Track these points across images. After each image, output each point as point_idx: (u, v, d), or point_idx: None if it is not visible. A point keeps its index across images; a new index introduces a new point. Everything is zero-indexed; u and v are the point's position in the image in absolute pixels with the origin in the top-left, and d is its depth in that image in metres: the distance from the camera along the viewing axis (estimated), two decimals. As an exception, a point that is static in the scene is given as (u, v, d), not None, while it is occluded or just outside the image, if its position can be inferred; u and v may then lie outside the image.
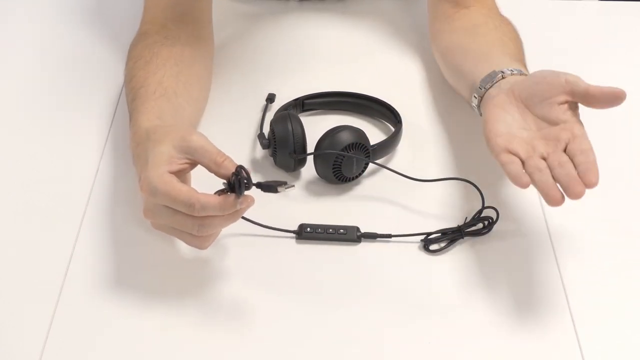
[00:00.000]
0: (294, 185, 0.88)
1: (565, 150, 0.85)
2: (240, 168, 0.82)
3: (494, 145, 0.87)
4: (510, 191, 0.99)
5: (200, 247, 0.87)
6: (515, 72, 0.95)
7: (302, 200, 0.99)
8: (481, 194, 0.96)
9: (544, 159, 0.85)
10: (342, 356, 0.84)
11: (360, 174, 1.01)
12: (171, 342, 0.85)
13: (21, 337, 0.85)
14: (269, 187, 0.86)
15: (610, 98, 0.87)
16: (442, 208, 0.98)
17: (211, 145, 0.84)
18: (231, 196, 0.81)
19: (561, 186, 0.82)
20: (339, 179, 0.99)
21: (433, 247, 0.93)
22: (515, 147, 0.86)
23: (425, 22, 1.19)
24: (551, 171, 0.83)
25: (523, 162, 0.85)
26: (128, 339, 0.85)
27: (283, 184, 0.86)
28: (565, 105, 0.88)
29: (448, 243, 0.93)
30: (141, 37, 1.07)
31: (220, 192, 0.82)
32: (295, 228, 0.94)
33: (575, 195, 0.80)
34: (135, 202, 0.98)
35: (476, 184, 0.97)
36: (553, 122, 0.88)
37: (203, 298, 0.89)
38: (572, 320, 0.88)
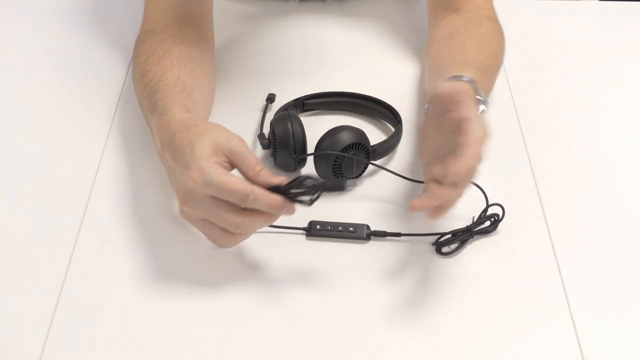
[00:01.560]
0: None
1: None
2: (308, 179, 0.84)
3: (424, 175, 0.88)
4: (510, 189, 0.99)
5: (227, 245, 0.88)
6: (455, 79, 0.95)
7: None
8: (484, 192, 0.96)
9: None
10: (350, 352, 0.84)
11: (360, 174, 1.01)
12: (173, 342, 0.85)
13: (21, 337, 0.85)
14: (333, 186, 0.90)
15: (451, 94, 0.84)
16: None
17: (251, 152, 0.86)
18: (282, 201, 0.84)
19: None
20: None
21: (445, 249, 0.93)
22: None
23: (425, 22, 1.19)
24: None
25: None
26: (128, 339, 0.85)
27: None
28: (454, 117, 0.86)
29: (459, 245, 0.93)
30: (148, 35, 1.07)
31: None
32: (299, 221, 0.94)
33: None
34: (135, 202, 0.98)
35: (478, 184, 0.97)
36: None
37: (208, 297, 0.89)
38: (572, 320, 0.88)
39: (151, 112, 0.97)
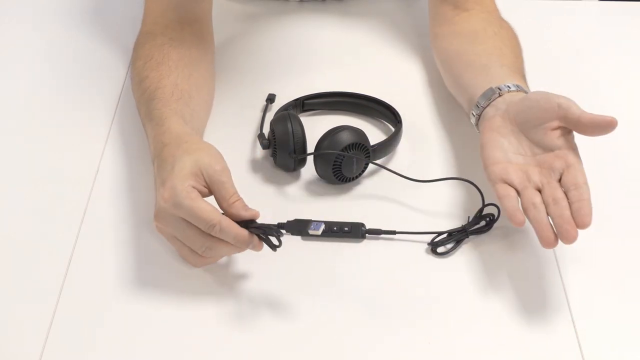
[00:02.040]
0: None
1: (560, 180, 0.86)
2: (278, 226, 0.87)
3: (490, 173, 0.90)
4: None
5: (195, 265, 0.89)
6: (512, 88, 0.96)
7: (303, 201, 0.99)
8: (481, 192, 0.96)
9: (539, 189, 0.87)
10: (346, 353, 0.84)
11: (360, 174, 1.01)
12: (172, 343, 0.85)
13: (21, 337, 0.85)
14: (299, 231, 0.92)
15: (601, 126, 0.87)
16: (442, 207, 0.98)
17: (231, 183, 0.86)
18: (249, 236, 0.84)
19: (555, 227, 0.84)
20: (339, 179, 0.99)
21: (440, 249, 0.93)
22: (511, 177, 0.88)
23: (426, 22, 1.19)
24: (546, 207, 0.85)
25: (518, 192, 0.87)
26: (128, 339, 0.85)
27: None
28: (559, 131, 0.89)
29: (454, 244, 0.93)
30: (148, 37, 1.07)
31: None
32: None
33: (569, 241, 0.83)
34: (134, 202, 0.98)
35: (475, 183, 0.97)
36: (547, 148, 0.89)
37: (206, 298, 0.88)
38: (572, 321, 0.88)
39: (148, 120, 0.97)
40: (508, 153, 0.91)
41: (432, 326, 0.87)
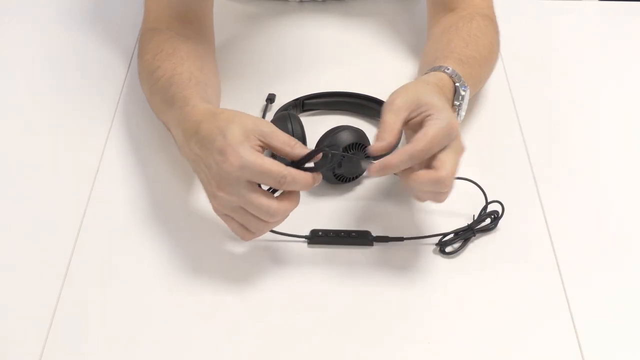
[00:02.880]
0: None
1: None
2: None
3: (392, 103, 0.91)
4: (509, 187, 0.99)
5: (245, 239, 0.89)
6: (430, 71, 0.98)
7: (303, 201, 0.98)
8: (483, 191, 0.96)
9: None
10: (361, 357, 0.84)
11: (360, 174, 1.01)
12: (173, 345, 0.85)
13: (21, 337, 0.85)
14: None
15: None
16: (444, 207, 0.97)
17: (282, 132, 0.87)
18: (314, 175, 0.85)
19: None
20: (340, 179, 0.99)
21: (448, 249, 0.93)
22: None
23: (425, 23, 1.19)
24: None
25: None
26: (128, 339, 0.85)
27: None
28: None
29: (462, 243, 0.93)
30: (154, 33, 1.07)
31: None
32: (301, 229, 0.94)
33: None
34: (134, 202, 0.98)
35: (476, 182, 0.97)
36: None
37: (209, 301, 0.88)
38: (572, 320, 0.88)
39: (169, 105, 0.96)
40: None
41: (438, 327, 0.87)
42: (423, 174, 0.85)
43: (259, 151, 0.85)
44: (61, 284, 0.90)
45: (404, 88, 0.92)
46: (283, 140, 0.86)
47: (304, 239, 0.94)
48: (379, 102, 1.09)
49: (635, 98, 1.17)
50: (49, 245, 0.94)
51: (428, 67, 1.01)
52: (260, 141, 0.86)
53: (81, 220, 0.96)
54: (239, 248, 0.93)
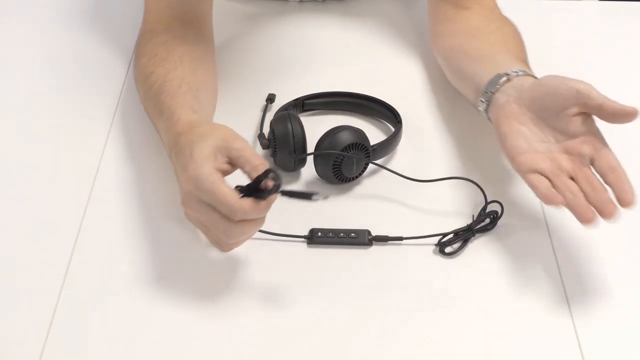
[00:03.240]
0: (327, 197, 0.87)
1: (592, 166, 0.86)
2: (271, 171, 0.83)
3: (518, 164, 0.88)
4: (509, 188, 0.99)
5: (223, 250, 0.88)
6: (520, 73, 0.95)
7: (293, 203, 0.98)
8: (482, 190, 0.96)
9: (572, 178, 0.86)
10: (359, 357, 0.84)
11: (360, 174, 1.01)
12: (173, 344, 0.85)
13: (21, 337, 0.85)
14: (299, 194, 0.87)
15: (622, 115, 0.86)
16: (444, 207, 0.98)
17: (251, 149, 0.86)
18: (265, 205, 0.83)
19: (596, 209, 0.82)
20: (339, 179, 0.99)
21: (448, 249, 0.93)
22: (541, 166, 0.87)
23: (425, 23, 1.19)
24: (584, 194, 0.84)
25: (550, 180, 0.86)
26: (128, 340, 0.85)
27: (314, 193, 0.86)
28: (580, 117, 0.88)
29: (462, 244, 0.93)
30: (150, 35, 1.07)
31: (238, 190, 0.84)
32: (300, 229, 0.94)
33: (611, 217, 0.82)
34: (134, 202, 0.98)
35: (476, 182, 0.97)
36: (570, 134, 0.88)
37: (209, 300, 0.88)
38: (572, 320, 0.88)
39: (158, 115, 0.97)
40: (532, 141, 0.89)
41: (437, 327, 0.87)
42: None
43: (225, 170, 0.85)
44: (61, 284, 0.90)
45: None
46: (247, 159, 0.84)
47: (303, 239, 0.94)
48: (379, 102, 1.09)
49: (636, 98, 1.17)
50: (49, 245, 0.94)
51: (490, 61, 0.99)
52: (228, 158, 0.85)
53: (81, 220, 0.96)
54: (238, 247, 0.93)
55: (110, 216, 0.97)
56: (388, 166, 1.01)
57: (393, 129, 1.06)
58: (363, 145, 0.98)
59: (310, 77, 1.16)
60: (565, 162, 0.87)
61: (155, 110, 0.98)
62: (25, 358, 0.83)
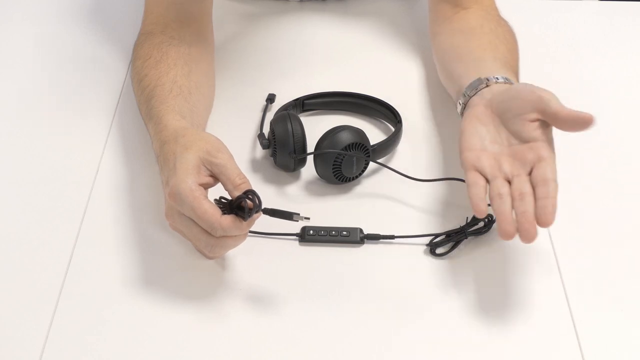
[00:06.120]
0: (308, 218, 0.88)
1: (531, 174, 0.86)
2: (251, 193, 0.83)
3: (463, 160, 0.90)
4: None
5: (210, 258, 0.90)
6: (500, 80, 0.96)
7: (302, 201, 0.99)
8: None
9: (509, 180, 0.86)
10: (347, 356, 0.84)
11: (360, 174, 1.01)
12: (171, 344, 0.85)
13: (21, 337, 0.85)
14: (281, 213, 0.87)
15: (578, 123, 0.87)
16: (442, 207, 0.98)
17: (234, 165, 0.86)
18: (249, 222, 0.84)
19: (517, 223, 0.83)
20: (339, 179, 0.99)
21: (439, 250, 0.93)
22: (483, 165, 0.88)
23: (426, 23, 1.19)
24: (512, 200, 0.84)
25: (488, 180, 0.87)
26: (128, 340, 0.85)
27: (295, 214, 0.87)
28: (537, 123, 0.89)
29: (453, 245, 0.93)
30: (147, 37, 1.07)
31: (218, 205, 0.84)
32: (294, 228, 0.94)
33: (528, 240, 0.82)
34: (134, 202, 0.98)
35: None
36: (524, 139, 0.89)
37: (206, 300, 0.88)
38: (572, 320, 0.88)
39: (149, 119, 0.98)
40: (485, 141, 0.90)
41: (429, 328, 0.87)
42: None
43: (207, 182, 0.86)
44: (61, 284, 0.90)
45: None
46: (229, 177, 0.85)
47: (295, 237, 0.94)
48: (379, 102, 1.09)
49: (636, 98, 1.17)
50: (49, 245, 0.94)
51: (479, 64, 1.00)
52: (210, 171, 0.86)
53: (81, 220, 0.96)
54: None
55: (110, 217, 0.97)
56: (388, 166, 1.01)
57: (393, 129, 1.06)
58: (363, 145, 0.98)
59: (310, 77, 1.16)
60: (507, 165, 0.88)
61: (146, 114, 0.99)
62: (25, 358, 0.83)
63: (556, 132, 1.10)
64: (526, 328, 0.87)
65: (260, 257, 0.92)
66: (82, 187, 1.00)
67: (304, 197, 1.00)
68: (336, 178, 0.99)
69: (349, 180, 1.00)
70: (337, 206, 0.98)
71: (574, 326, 0.87)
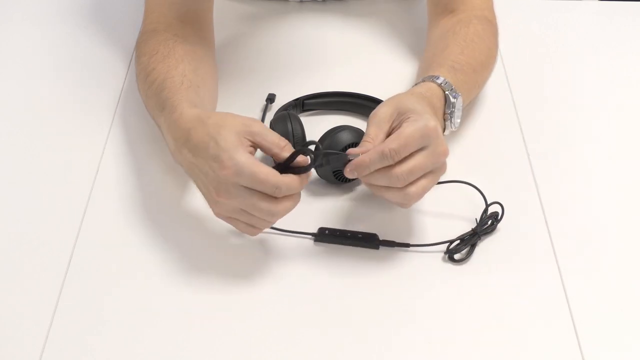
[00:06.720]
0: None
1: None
2: (301, 150, 0.86)
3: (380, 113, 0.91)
4: (508, 190, 0.99)
5: (253, 234, 0.90)
6: (426, 80, 0.98)
7: (303, 200, 0.98)
8: (482, 194, 0.96)
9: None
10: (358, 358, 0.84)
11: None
12: (173, 344, 0.85)
13: (21, 337, 0.85)
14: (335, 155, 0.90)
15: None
16: (444, 210, 0.98)
17: (272, 131, 0.89)
18: (304, 176, 0.87)
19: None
20: (339, 179, 0.99)
21: (457, 256, 0.92)
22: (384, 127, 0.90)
23: (425, 23, 1.19)
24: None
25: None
26: (128, 340, 0.85)
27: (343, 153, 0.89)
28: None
29: (470, 249, 0.93)
30: (151, 34, 1.07)
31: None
32: (305, 227, 0.94)
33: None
34: (134, 202, 0.98)
35: (476, 185, 0.97)
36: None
37: (211, 300, 0.88)
38: (572, 320, 0.88)
39: (160, 110, 0.97)
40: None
41: (434, 329, 0.87)
42: (372, 153, 0.86)
43: (252, 152, 0.87)
44: (61, 284, 0.90)
45: (388, 100, 0.92)
46: (272, 141, 0.87)
47: (310, 236, 0.94)
48: (379, 102, 1.09)
49: (636, 98, 1.17)
50: (49, 245, 0.94)
51: (423, 74, 1.01)
52: (251, 142, 0.87)
53: (81, 220, 0.96)
54: (244, 243, 0.93)
55: (110, 215, 0.97)
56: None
57: (393, 129, 1.06)
58: (363, 145, 0.98)
59: (310, 77, 1.16)
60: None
61: (156, 106, 0.98)
62: (25, 358, 0.83)
63: (557, 132, 1.10)
64: (526, 328, 0.87)
65: (274, 254, 0.92)
66: (82, 187, 1.00)
67: (304, 197, 0.99)
68: (336, 178, 0.99)
69: (349, 180, 1.00)
70: (338, 206, 0.98)
71: (574, 326, 0.87)
